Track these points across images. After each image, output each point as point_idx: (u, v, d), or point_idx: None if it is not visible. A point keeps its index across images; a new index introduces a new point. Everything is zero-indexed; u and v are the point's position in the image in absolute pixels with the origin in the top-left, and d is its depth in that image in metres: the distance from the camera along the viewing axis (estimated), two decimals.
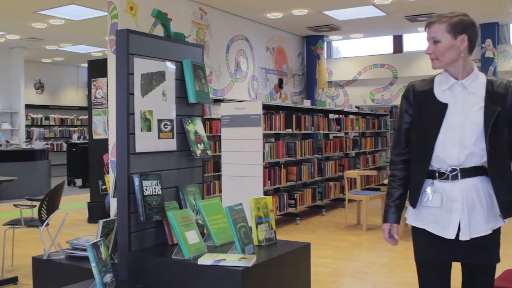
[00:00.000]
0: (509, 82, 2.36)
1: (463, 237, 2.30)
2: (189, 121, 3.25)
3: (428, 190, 2.36)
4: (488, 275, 2.42)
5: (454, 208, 2.32)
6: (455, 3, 10.08)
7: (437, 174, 2.35)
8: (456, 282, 2.53)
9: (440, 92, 2.38)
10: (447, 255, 2.38)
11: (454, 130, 2.32)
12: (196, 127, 3.29)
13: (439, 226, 2.34)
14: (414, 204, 2.41)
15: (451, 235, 2.31)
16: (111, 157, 7.38)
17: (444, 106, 2.35)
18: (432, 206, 2.35)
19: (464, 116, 2.32)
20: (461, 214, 2.31)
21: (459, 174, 2.32)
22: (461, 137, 2.31)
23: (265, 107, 7.47)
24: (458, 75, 2.37)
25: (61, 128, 17.14)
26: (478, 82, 2.37)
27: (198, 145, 3.25)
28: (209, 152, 3.33)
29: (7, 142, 12.00)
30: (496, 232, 2.37)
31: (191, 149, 3.21)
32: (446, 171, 2.33)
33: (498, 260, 2.40)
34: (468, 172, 2.32)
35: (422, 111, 2.39)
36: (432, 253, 2.40)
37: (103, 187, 7.54)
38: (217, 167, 8.91)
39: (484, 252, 2.36)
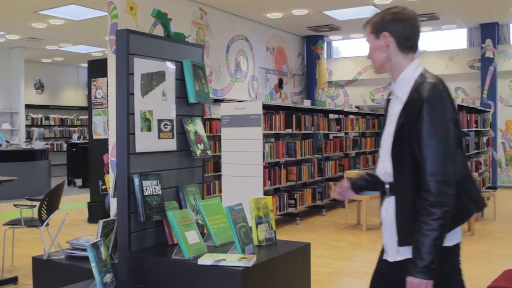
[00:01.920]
0: (429, 84, 1.99)
1: (387, 257, 2.15)
2: (189, 121, 3.25)
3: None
4: None
5: (383, 227, 2.17)
6: (455, 3, 10.08)
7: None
8: None
9: (390, 100, 2.19)
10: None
11: (383, 143, 2.14)
12: (196, 127, 3.29)
13: None
14: None
15: (383, 253, 2.20)
16: (111, 157, 7.38)
17: (383, 116, 2.21)
18: None
19: (388, 128, 2.11)
20: (385, 234, 2.16)
21: (387, 191, 2.12)
22: (384, 151, 2.12)
23: (265, 107, 7.47)
24: (394, 78, 2.14)
25: (61, 128, 17.13)
26: (405, 85, 2.06)
27: (198, 145, 3.25)
28: (209, 152, 3.33)
29: (7, 142, 12.00)
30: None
31: (191, 149, 3.21)
32: (385, 186, 2.15)
33: None
34: (391, 190, 2.10)
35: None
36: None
37: (103, 187, 7.54)
38: (217, 167, 8.91)
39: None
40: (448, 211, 1.89)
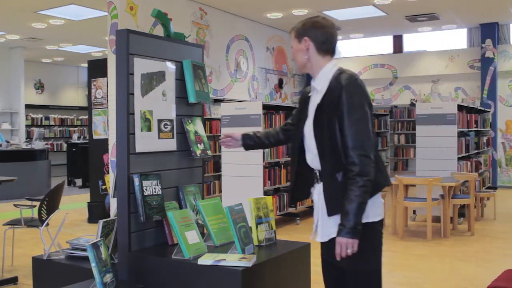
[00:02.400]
0: (347, 74, 2.32)
1: (319, 238, 2.45)
2: (189, 121, 3.25)
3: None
4: (355, 281, 2.38)
5: (315, 211, 2.48)
6: (455, 3, 10.08)
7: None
8: None
9: (311, 97, 2.48)
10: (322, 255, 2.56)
11: (305, 134, 2.45)
12: (196, 127, 3.29)
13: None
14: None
15: (311, 236, 2.52)
16: (111, 157, 7.38)
17: (299, 113, 2.53)
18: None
19: (308, 119, 2.43)
20: (316, 217, 2.46)
21: (317, 178, 2.43)
22: (310, 139, 2.41)
23: (265, 107, 7.47)
24: (313, 76, 2.47)
25: (61, 128, 17.13)
26: (324, 79, 2.39)
27: (198, 145, 3.24)
28: (209, 152, 3.33)
29: (7, 142, 12.00)
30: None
31: (191, 149, 3.21)
32: (316, 173, 2.45)
33: (357, 266, 2.33)
34: (321, 176, 2.39)
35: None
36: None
37: (103, 187, 7.54)
38: (217, 167, 8.91)
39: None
40: (370, 180, 2.23)
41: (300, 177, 2.53)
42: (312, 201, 2.55)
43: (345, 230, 2.21)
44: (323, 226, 2.40)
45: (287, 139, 2.81)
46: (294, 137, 2.55)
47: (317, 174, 2.41)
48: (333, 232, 2.33)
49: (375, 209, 2.33)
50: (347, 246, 2.22)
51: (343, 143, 2.25)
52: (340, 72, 2.34)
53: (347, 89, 2.26)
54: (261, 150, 6.99)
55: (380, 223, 2.38)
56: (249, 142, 2.89)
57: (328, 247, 2.39)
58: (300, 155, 2.49)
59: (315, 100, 2.39)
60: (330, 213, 2.33)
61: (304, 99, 2.52)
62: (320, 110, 2.32)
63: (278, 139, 2.83)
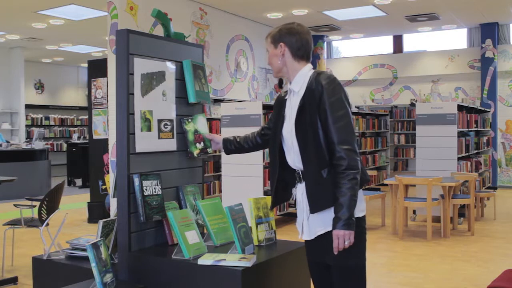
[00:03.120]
0: (326, 74, 2.38)
1: (303, 236, 2.50)
2: (189, 120, 3.25)
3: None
4: (341, 277, 2.41)
5: (298, 210, 2.52)
6: (455, 3, 10.08)
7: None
8: None
9: (287, 100, 2.54)
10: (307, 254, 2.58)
11: (286, 136, 2.49)
12: (197, 125, 3.27)
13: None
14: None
15: (299, 235, 2.54)
16: (111, 157, 7.38)
17: (276, 117, 2.58)
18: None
19: (289, 120, 2.46)
20: (301, 215, 2.50)
21: (300, 178, 2.48)
22: (291, 140, 2.45)
23: (265, 107, 7.47)
24: (290, 80, 2.52)
25: (61, 128, 17.13)
26: (302, 82, 2.45)
27: (197, 144, 3.24)
28: (209, 150, 3.31)
29: (7, 142, 12.00)
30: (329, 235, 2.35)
31: (188, 149, 3.20)
32: (299, 173, 2.49)
33: (345, 262, 2.37)
34: (303, 176, 2.44)
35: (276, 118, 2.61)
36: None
37: (103, 187, 7.53)
38: (217, 167, 8.91)
39: (325, 250, 2.39)
40: (359, 172, 2.30)
41: (281, 179, 2.57)
42: (295, 202, 2.58)
43: (341, 222, 2.25)
44: (308, 224, 2.44)
45: (265, 143, 2.92)
46: (272, 141, 2.61)
47: (300, 173, 2.46)
48: (319, 230, 2.39)
49: (359, 205, 2.37)
50: (344, 238, 2.26)
51: (327, 140, 2.32)
52: (318, 73, 2.41)
53: (328, 88, 2.33)
54: (261, 150, 6.98)
55: (364, 219, 2.44)
56: (229, 147, 3.01)
57: (314, 245, 2.46)
58: (280, 157, 2.55)
59: (294, 102, 2.45)
60: (313, 210, 2.37)
61: (280, 103, 2.59)
62: (302, 110, 2.36)
63: (256, 144, 2.97)
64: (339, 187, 2.27)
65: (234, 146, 3.00)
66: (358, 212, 2.37)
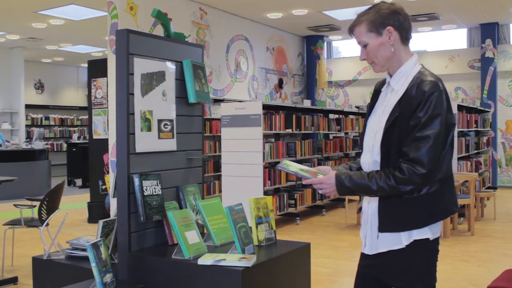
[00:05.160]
0: (432, 83, 2.00)
1: (366, 250, 2.18)
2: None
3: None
4: None
5: (363, 220, 2.21)
6: (455, 3, 10.08)
7: None
8: None
9: (382, 92, 2.21)
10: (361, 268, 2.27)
11: (369, 134, 2.16)
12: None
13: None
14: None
15: (362, 248, 2.22)
16: (111, 157, 7.38)
17: (369, 107, 2.23)
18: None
19: (379, 119, 2.12)
20: (365, 227, 2.19)
21: None
22: (373, 142, 2.12)
23: (265, 107, 7.47)
24: (392, 72, 2.14)
25: (61, 128, 17.13)
26: (403, 79, 2.09)
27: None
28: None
29: (7, 142, 12.00)
30: (400, 253, 2.06)
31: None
32: None
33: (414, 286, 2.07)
34: None
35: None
36: None
37: (103, 187, 7.53)
38: (217, 167, 8.91)
39: (388, 270, 2.12)
40: (396, 190, 1.98)
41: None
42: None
43: (344, 180, 2.05)
44: (372, 239, 2.14)
45: None
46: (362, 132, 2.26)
47: None
48: (382, 248, 2.10)
49: (435, 226, 2.08)
50: (324, 187, 2.08)
51: (405, 150, 2.00)
52: (422, 75, 2.04)
53: (427, 101, 1.96)
54: (261, 150, 6.99)
55: (437, 241, 2.12)
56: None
57: (374, 260, 2.15)
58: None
59: (389, 101, 2.11)
60: (382, 228, 2.08)
61: (376, 94, 2.24)
62: (394, 116, 2.03)
63: None
64: (376, 175, 2.01)
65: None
66: (434, 234, 2.06)
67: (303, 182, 2.23)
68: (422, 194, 2.01)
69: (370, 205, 2.14)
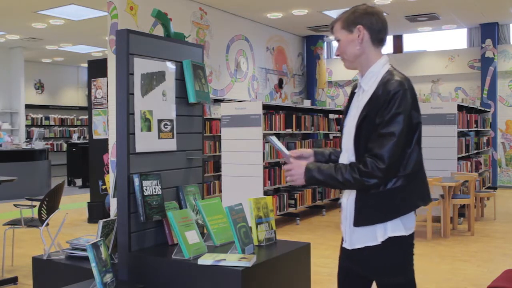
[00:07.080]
0: (397, 82, 2.07)
1: (346, 245, 2.25)
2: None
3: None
4: None
5: (343, 215, 2.28)
6: (455, 3, 10.08)
7: None
8: None
9: (356, 93, 2.28)
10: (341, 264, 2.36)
11: (345, 135, 2.25)
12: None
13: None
14: None
15: (343, 243, 2.29)
16: (111, 157, 7.38)
17: (345, 108, 2.32)
18: None
19: (353, 120, 2.19)
20: (345, 222, 2.26)
21: None
22: (348, 142, 2.20)
23: (265, 107, 7.47)
24: (362, 72, 2.23)
25: (61, 128, 17.13)
26: (373, 80, 2.16)
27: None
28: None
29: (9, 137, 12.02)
30: (376, 250, 2.13)
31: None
32: None
33: (389, 276, 2.15)
34: None
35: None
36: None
37: (103, 187, 7.54)
38: (217, 167, 8.91)
39: (366, 265, 2.20)
40: (361, 183, 2.06)
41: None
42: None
43: (314, 171, 2.14)
44: (350, 234, 2.21)
45: None
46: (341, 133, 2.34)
47: None
48: (358, 244, 2.18)
49: (409, 222, 2.15)
50: (293, 173, 2.17)
51: (370, 146, 2.08)
52: (390, 75, 2.11)
53: (393, 99, 2.04)
54: (261, 150, 6.99)
55: (412, 236, 2.19)
56: (320, 158, 2.46)
57: (352, 255, 2.23)
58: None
59: (360, 101, 2.18)
60: (357, 223, 2.15)
61: (351, 95, 2.32)
62: (363, 121, 2.11)
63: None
64: (342, 167, 2.09)
65: (326, 160, 2.45)
66: (408, 230, 2.13)
67: (283, 167, 2.31)
68: (387, 188, 2.10)
69: (349, 200, 2.21)
